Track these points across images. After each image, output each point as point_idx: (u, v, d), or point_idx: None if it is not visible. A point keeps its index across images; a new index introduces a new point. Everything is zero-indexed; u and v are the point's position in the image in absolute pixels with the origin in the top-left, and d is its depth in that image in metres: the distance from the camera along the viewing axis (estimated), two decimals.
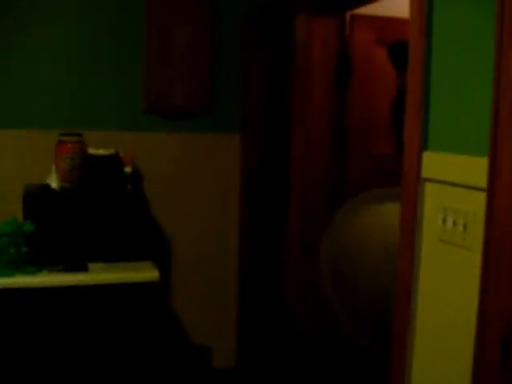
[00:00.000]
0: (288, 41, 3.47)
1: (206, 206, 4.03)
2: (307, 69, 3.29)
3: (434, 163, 1.96)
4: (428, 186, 1.99)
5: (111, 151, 3.48)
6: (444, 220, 1.89)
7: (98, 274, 3.17)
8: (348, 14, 3.36)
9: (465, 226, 1.80)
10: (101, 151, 3.46)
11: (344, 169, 3.42)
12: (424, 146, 2.01)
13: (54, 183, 3.41)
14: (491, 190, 1.62)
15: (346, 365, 3.45)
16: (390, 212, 2.72)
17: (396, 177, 3.11)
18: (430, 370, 2.01)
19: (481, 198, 1.69)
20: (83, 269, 3.21)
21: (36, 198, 3.27)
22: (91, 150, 3.46)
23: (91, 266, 3.26)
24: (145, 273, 3.23)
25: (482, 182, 1.67)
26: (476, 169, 1.71)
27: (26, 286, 3.03)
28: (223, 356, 4.16)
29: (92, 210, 3.33)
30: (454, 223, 1.84)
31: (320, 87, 3.31)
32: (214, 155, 4.01)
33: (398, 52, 3.08)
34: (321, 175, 3.32)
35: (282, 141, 3.62)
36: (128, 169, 3.51)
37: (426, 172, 1.99)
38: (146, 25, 3.76)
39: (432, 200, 1.98)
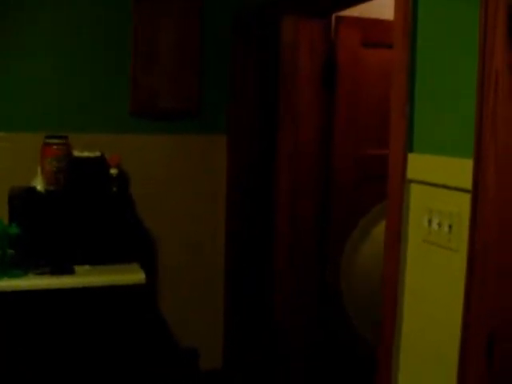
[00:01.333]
0: (276, 42, 3.48)
1: (194, 207, 4.02)
2: (294, 70, 3.30)
3: (419, 165, 1.97)
4: (413, 188, 2.00)
5: (96, 153, 3.48)
6: (429, 221, 1.90)
7: (85, 277, 3.17)
8: (334, 16, 3.36)
9: (450, 227, 1.80)
10: (86, 153, 3.46)
11: (331, 169, 3.43)
12: (409, 147, 2.02)
13: (39, 186, 3.39)
14: (476, 192, 1.63)
15: (343, 362, 3.47)
16: None
17: (383, 179, 3.13)
18: (416, 370, 2.01)
19: (466, 200, 1.70)
20: (70, 271, 3.20)
21: (21, 200, 3.26)
22: (76, 153, 3.45)
23: (77, 268, 3.26)
24: (131, 275, 3.23)
25: (467, 183, 1.67)
26: (461, 170, 1.72)
27: (12, 289, 3.02)
28: (210, 358, 4.15)
29: (78, 213, 3.33)
30: (439, 224, 1.85)
31: (306, 88, 3.32)
32: (201, 157, 4.01)
33: None
34: (309, 174, 3.34)
35: (271, 142, 3.63)
36: (114, 171, 3.50)
37: (411, 174, 2.00)
38: (132, 27, 3.75)
39: (417, 201, 1.98)
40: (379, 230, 2.68)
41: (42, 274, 3.16)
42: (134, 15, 3.75)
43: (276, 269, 3.53)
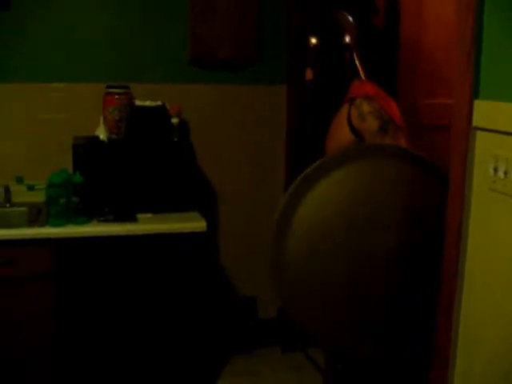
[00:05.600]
0: None
1: (253, 157, 4.03)
2: None
3: (485, 112, 1.92)
4: (479, 135, 1.95)
5: (158, 103, 3.50)
6: (495, 169, 1.86)
7: (147, 224, 3.22)
8: None
9: None
10: (148, 103, 3.48)
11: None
12: (475, 94, 1.97)
13: (102, 135, 3.45)
14: None
15: None
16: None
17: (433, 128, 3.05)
18: (477, 317, 2.00)
19: None
20: (132, 219, 3.26)
21: (85, 149, 3.31)
22: (138, 102, 3.48)
23: (140, 216, 3.32)
24: (192, 223, 3.27)
25: None
26: None
27: (77, 236, 3.09)
28: (267, 307, 4.19)
29: (140, 162, 3.37)
30: (506, 172, 1.81)
31: None
32: (261, 107, 4.00)
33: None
34: None
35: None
36: (175, 120, 3.53)
37: (476, 121, 1.95)
38: None
39: (483, 149, 1.94)
40: (302, 212, 2.50)
41: (106, 221, 3.23)
42: None
43: None
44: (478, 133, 1.95)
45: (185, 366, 3.37)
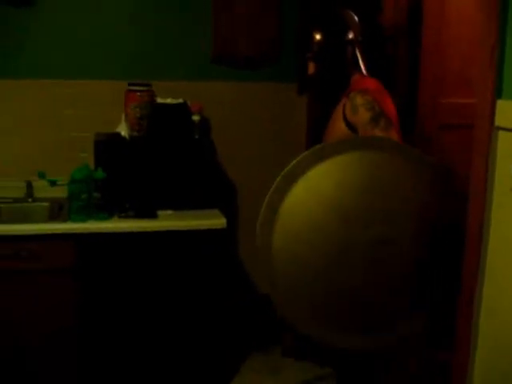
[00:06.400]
0: None
1: (274, 154, 4.01)
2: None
3: (508, 112, 1.91)
4: (501, 135, 1.94)
5: (179, 100, 3.51)
6: None
7: (167, 221, 3.24)
8: None
9: None
10: (169, 100, 3.50)
11: (414, 117, 3.36)
12: (498, 93, 1.96)
13: (123, 132, 3.47)
14: None
15: None
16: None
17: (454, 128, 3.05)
18: (498, 316, 1.99)
19: None
20: (153, 216, 3.28)
21: (107, 146, 3.34)
22: (160, 99, 3.50)
23: (160, 213, 3.33)
24: (212, 220, 3.28)
25: None
26: None
27: (98, 231, 3.12)
28: None
29: (161, 159, 3.39)
30: None
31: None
32: (281, 104, 3.99)
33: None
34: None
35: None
36: (196, 117, 3.54)
37: (499, 121, 1.94)
38: None
39: (505, 149, 1.93)
40: (288, 206, 2.56)
41: (127, 217, 3.25)
42: None
43: None
44: (501, 133, 1.95)
45: (204, 362, 3.38)
